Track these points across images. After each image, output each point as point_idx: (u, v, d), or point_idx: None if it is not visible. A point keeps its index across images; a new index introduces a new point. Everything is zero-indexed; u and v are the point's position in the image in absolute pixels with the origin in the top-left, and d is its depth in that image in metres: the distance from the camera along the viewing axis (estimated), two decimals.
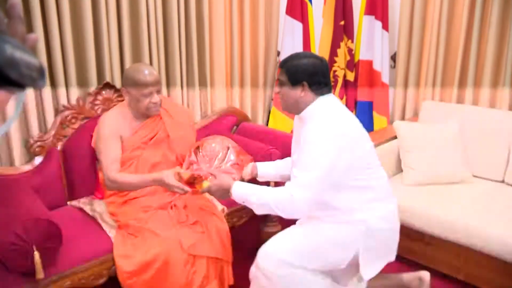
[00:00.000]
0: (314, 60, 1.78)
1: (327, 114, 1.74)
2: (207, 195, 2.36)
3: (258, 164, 2.08)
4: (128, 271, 1.94)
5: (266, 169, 2.07)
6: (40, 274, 1.74)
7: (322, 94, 1.78)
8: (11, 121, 0.67)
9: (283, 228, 2.75)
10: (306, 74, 1.74)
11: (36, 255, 1.71)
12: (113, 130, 2.11)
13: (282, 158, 2.63)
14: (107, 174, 2.05)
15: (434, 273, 2.24)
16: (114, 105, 2.49)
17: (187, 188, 1.88)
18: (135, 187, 2.06)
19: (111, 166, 2.06)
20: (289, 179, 1.91)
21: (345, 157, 1.68)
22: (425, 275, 2.13)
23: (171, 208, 2.12)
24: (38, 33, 2.21)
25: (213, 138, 2.20)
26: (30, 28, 2.20)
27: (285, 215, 1.69)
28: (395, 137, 2.93)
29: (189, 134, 2.29)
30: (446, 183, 2.72)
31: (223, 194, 1.79)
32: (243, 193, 1.74)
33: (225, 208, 2.36)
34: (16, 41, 0.57)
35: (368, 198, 1.80)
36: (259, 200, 1.69)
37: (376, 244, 1.81)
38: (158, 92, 2.13)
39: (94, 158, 2.36)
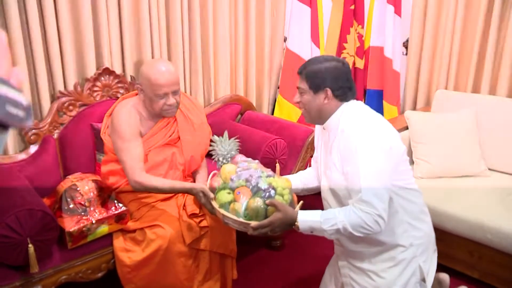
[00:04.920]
0: (336, 63, 1.59)
1: (360, 119, 1.57)
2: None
3: None
4: (129, 264, 1.90)
5: (293, 182, 1.84)
6: (34, 268, 1.70)
7: (346, 100, 1.60)
8: None
9: None
10: (328, 79, 1.56)
11: (30, 248, 1.66)
12: (133, 127, 1.95)
13: (287, 148, 2.55)
14: (132, 175, 1.89)
15: (447, 271, 2.16)
16: (113, 92, 2.42)
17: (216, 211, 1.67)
18: (162, 192, 1.95)
19: (136, 166, 1.90)
20: (313, 191, 1.82)
21: (393, 160, 1.53)
22: (445, 277, 2.04)
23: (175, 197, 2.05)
24: (33, 15, 2.11)
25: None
26: (24, 10, 2.10)
27: (365, 235, 1.51)
28: (406, 128, 2.83)
29: (202, 137, 2.13)
30: (460, 176, 2.62)
31: (285, 228, 1.56)
32: (312, 221, 1.52)
33: None
34: None
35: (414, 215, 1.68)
36: (333, 226, 1.50)
37: (428, 250, 1.70)
38: (175, 93, 1.94)
39: (92, 147, 2.27)
